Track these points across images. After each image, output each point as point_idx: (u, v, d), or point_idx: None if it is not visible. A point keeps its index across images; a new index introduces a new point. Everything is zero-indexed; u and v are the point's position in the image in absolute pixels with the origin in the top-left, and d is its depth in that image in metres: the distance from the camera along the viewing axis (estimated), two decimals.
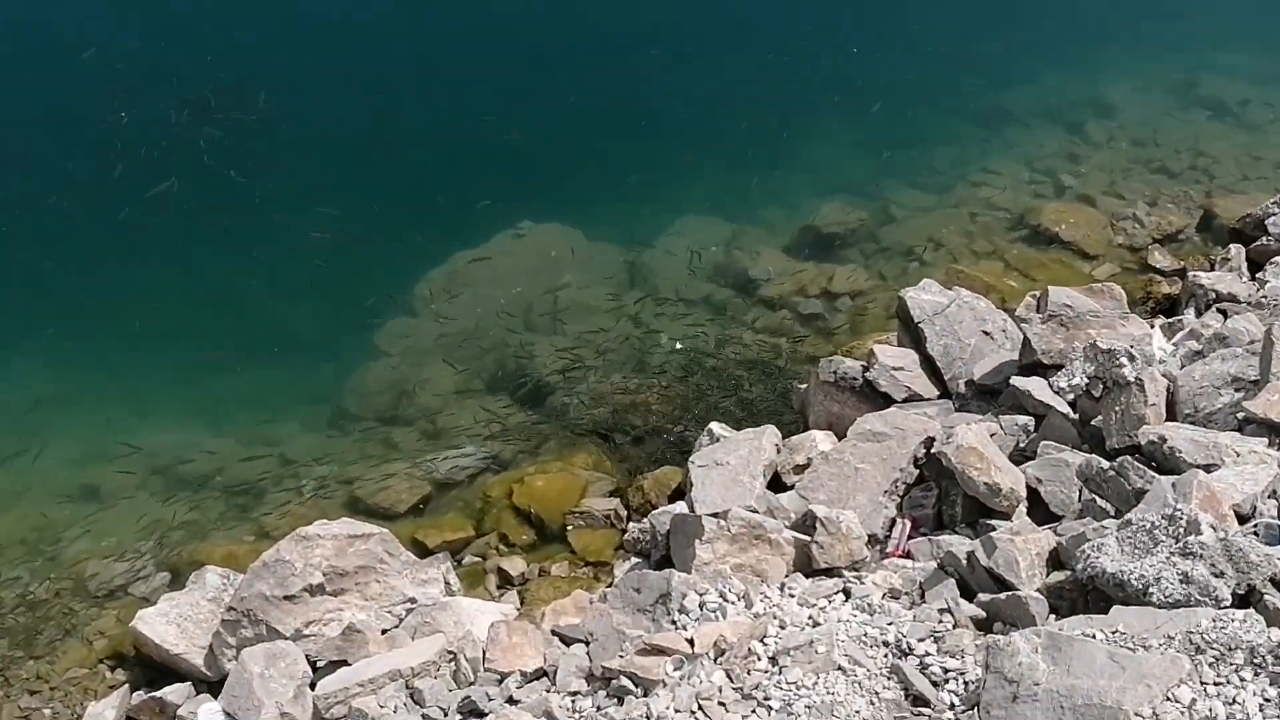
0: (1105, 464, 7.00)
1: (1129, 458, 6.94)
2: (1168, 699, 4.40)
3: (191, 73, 14.30)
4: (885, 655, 5.82)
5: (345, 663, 7.30)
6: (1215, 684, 4.52)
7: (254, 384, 10.95)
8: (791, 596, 6.83)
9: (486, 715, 6.27)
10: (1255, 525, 6.00)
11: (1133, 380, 7.74)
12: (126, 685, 7.99)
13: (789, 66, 14.36)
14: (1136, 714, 4.34)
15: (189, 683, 7.75)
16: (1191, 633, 4.80)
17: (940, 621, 6.09)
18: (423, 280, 11.70)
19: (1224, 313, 9.58)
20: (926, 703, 5.40)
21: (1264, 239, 10.99)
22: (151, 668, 8.02)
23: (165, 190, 12.21)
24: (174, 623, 7.94)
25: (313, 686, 7.19)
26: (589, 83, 14.18)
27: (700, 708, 5.59)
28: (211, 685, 7.60)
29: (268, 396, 10.84)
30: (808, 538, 7.36)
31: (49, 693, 8.20)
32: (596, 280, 11.58)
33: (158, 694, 7.68)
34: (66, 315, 11.38)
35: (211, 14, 15.75)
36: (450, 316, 11.33)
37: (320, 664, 7.40)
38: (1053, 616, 5.79)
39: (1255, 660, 4.61)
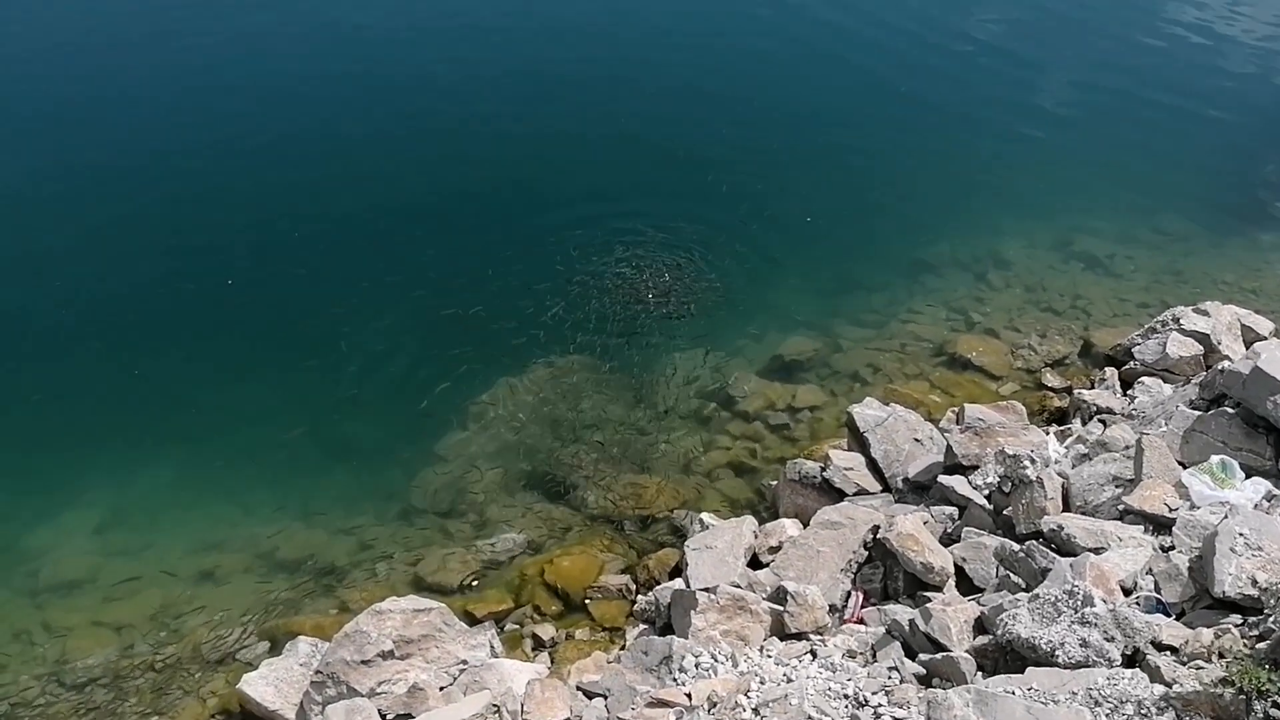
0: (1016, 547, 7.00)
1: (1035, 542, 6.93)
2: None
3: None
4: (846, 706, 5.77)
5: (410, 716, 7.20)
6: None
7: (337, 485, 10.87)
8: (769, 657, 6.78)
9: None
10: (1137, 597, 6.00)
11: (1034, 479, 7.78)
12: None
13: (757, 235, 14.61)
14: None
15: None
16: (1091, 689, 4.78)
17: (889, 677, 6.04)
18: (476, 401, 11.69)
19: (1104, 422, 9.64)
20: None
21: (1132, 363, 11.11)
22: None
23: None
24: (272, 684, 7.86)
25: None
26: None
27: None
28: None
29: (348, 495, 10.75)
30: (781, 608, 7.33)
31: None
32: (610, 400, 11.58)
33: None
34: (182, 431, 11.31)
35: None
36: (496, 429, 11.33)
37: (390, 717, 7.29)
38: (979, 674, 5.74)
39: (1142, 711, 4.59)
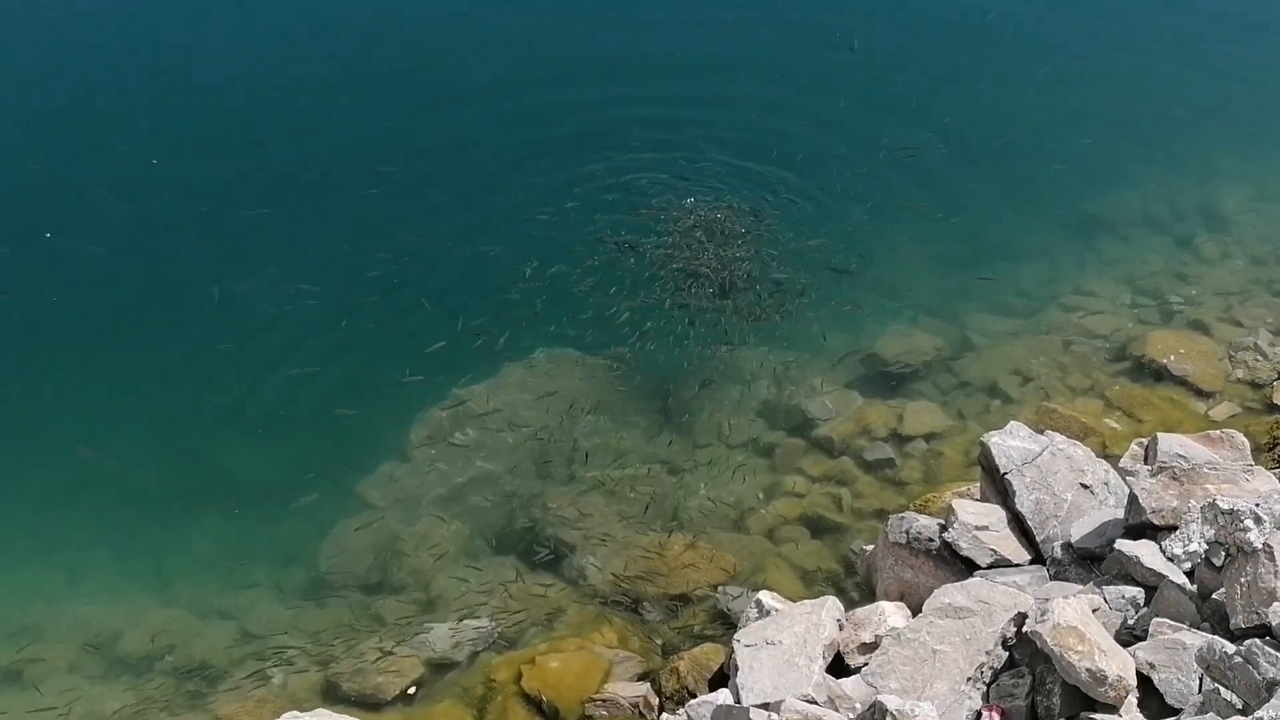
0: (1230, 647, 7.06)
1: (1258, 640, 6.98)
2: None
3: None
4: None
5: None
6: None
7: (210, 542, 11.05)
8: None
9: None
10: None
11: (1260, 547, 7.86)
12: None
13: (841, 162, 14.74)
14: None
15: None
16: None
17: None
18: (418, 420, 11.88)
19: None
20: None
21: None
22: None
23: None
24: None
25: None
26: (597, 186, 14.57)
27: None
28: None
29: (227, 557, 10.92)
30: None
31: None
32: (623, 420, 11.80)
33: None
34: None
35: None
36: (450, 463, 11.49)
37: None
38: None
39: None
